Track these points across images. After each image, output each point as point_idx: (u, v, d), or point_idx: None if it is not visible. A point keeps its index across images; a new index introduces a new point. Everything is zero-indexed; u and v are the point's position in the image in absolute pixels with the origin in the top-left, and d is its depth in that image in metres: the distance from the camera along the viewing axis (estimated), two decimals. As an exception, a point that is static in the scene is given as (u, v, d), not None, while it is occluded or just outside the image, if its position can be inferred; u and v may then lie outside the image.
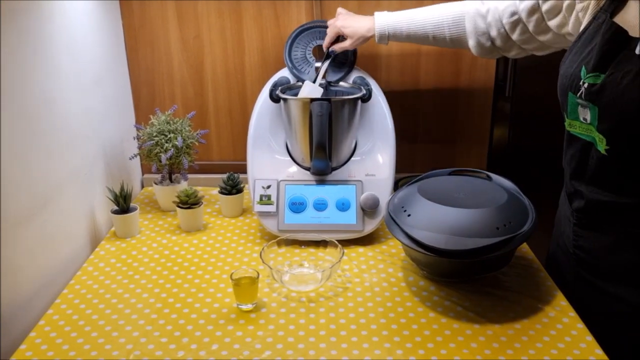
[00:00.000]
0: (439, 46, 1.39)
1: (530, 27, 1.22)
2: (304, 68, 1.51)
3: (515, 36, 1.26)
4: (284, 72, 1.52)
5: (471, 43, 1.32)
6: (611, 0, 1.04)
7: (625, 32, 0.98)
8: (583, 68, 1.03)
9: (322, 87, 1.45)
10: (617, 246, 1.08)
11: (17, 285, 1.10)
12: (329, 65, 1.47)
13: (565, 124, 1.11)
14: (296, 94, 1.45)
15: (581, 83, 1.03)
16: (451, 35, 1.33)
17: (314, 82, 1.44)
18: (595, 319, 1.11)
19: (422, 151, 1.76)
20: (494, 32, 1.28)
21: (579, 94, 1.03)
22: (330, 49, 1.44)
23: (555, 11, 1.16)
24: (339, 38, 1.43)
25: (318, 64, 1.47)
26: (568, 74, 1.07)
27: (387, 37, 1.37)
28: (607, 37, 1.00)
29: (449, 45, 1.37)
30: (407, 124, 1.71)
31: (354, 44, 1.41)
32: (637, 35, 0.97)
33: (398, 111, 1.54)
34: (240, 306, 1.15)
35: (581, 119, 1.05)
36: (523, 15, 1.22)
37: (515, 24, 1.24)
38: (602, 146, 1.02)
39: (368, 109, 1.46)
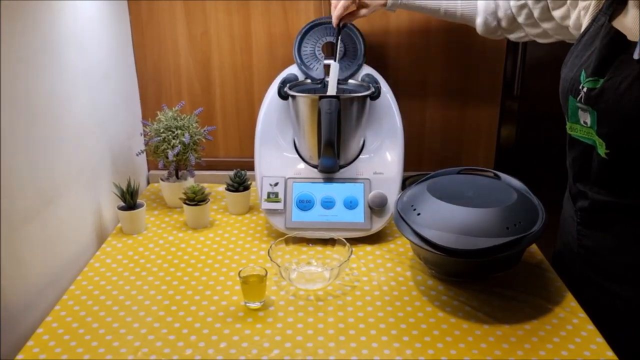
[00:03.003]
0: (446, 19, 1.39)
1: (536, 13, 1.23)
2: (313, 64, 1.50)
3: (520, 19, 1.27)
4: (292, 69, 1.51)
5: (479, 21, 1.33)
6: (610, 3, 1.04)
7: (624, 36, 0.99)
8: (582, 72, 1.04)
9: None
10: (621, 246, 1.09)
11: (24, 282, 1.10)
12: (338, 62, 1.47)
13: (567, 127, 1.12)
14: (304, 91, 1.44)
15: (581, 87, 1.03)
16: (463, 10, 1.33)
17: (335, 60, 1.41)
18: (600, 317, 1.11)
19: (429, 150, 1.75)
20: (501, 13, 1.29)
21: (578, 98, 1.04)
22: (342, 22, 1.38)
23: (560, 2, 1.17)
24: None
25: (327, 61, 1.46)
26: (568, 78, 1.08)
27: (398, 5, 1.35)
28: (605, 41, 1.00)
29: (457, 19, 1.37)
30: (415, 122, 1.70)
31: (369, 12, 1.37)
32: (635, 40, 0.97)
33: (406, 109, 1.53)
34: (248, 304, 1.14)
35: (582, 123, 1.06)
36: (529, 1, 1.23)
37: (521, 8, 1.26)
38: (602, 150, 1.02)
39: (376, 106, 1.45)
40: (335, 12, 1.36)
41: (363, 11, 1.38)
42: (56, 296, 1.19)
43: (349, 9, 1.36)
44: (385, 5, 1.36)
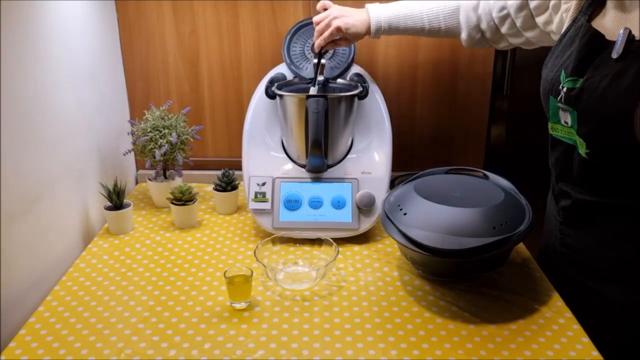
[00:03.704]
0: (430, 36, 1.38)
1: (518, 22, 1.23)
2: (302, 64, 1.49)
3: (504, 30, 1.27)
4: (281, 68, 1.51)
5: (463, 35, 1.33)
6: (589, 4, 1.05)
7: (603, 36, 1.00)
8: (562, 72, 1.04)
9: (319, 84, 1.43)
10: (602, 244, 1.09)
11: (8, 282, 1.09)
12: (327, 60, 1.46)
13: (549, 127, 1.12)
14: (292, 91, 1.43)
15: (561, 87, 1.04)
16: (446, 26, 1.33)
17: (314, 85, 1.41)
18: (582, 315, 1.11)
19: (418, 149, 1.75)
20: (484, 25, 1.29)
21: (559, 98, 1.05)
22: (323, 49, 1.37)
23: (542, 8, 1.18)
24: None
25: (316, 61, 1.46)
26: (549, 78, 1.08)
27: (381, 32, 1.35)
28: (584, 41, 1.01)
29: (441, 35, 1.36)
30: (404, 121, 1.70)
31: (352, 43, 1.40)
32: (614, 39, 0.97)
33: (395, 109, 1.52)
34: (233, 304, 1.14)
35: (562, 123, 1.06)
36: (512, 11, 1.23)
37: (504, 18, 1.26)
38: (582, 149, 1.03)
39: (365, 106, 1.44)
40: (318, 41, 1.35)
41: (343, 43, 1.38)
42: (40, 297, 1.18)
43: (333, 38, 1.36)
44: (369, 34, 1.34)
